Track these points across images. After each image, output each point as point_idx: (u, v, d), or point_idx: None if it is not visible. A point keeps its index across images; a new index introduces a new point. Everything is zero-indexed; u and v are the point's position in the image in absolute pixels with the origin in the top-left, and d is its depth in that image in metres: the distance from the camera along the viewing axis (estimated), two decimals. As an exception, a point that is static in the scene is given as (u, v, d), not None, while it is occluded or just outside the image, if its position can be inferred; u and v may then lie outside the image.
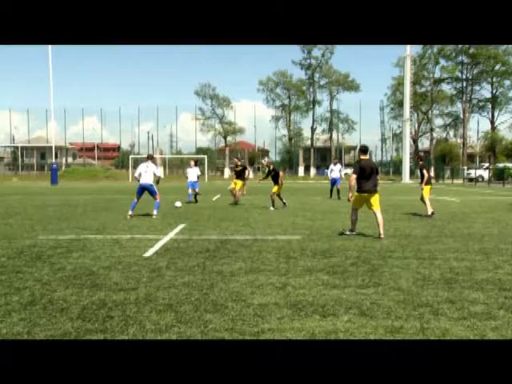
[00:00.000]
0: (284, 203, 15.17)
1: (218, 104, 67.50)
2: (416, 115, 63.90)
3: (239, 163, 16.86)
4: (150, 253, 7.18)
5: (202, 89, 66.42)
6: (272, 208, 14.28)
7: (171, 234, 9.15)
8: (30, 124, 70.31)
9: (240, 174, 16.58)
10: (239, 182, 16.63)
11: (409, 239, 8.65)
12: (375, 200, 9.07)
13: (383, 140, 70.87)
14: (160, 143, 69.50)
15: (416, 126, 64.45)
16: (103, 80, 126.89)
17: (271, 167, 15.39)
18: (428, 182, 13.04)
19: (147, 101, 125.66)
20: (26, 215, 12.71)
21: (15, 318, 4.06)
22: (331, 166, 20.47)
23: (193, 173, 17.75)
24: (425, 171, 12.98)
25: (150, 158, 12.87)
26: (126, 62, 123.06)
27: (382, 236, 8.71)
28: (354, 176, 8.91)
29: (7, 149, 76.74)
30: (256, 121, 71.72)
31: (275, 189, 15.09)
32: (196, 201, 17.52)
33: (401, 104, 55.25)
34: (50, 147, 48.60)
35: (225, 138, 67.88)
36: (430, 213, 12.54)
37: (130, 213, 12.08)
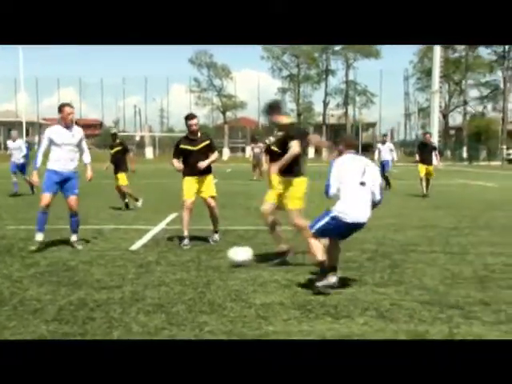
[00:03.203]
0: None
1: (216, 74, 67.06)
2: (447, 86, 63.37)
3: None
4: (137, 245, 7.24)
5: (197, 56, 65.92)
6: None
7: (162, 225, 9.20)
8: (-4, 96, 70.01)
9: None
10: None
11: (436, 231, 8.67)
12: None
13: (407, 115, 70.57)
14: (149, 119, 69.53)
15: (447, 98, 63.97)
16: (81, 47, 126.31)
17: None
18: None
19: (133, 70, 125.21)
20: (-7, 202, 12.77)
21: (-18, 319, 4.11)
22: (379, 146, 18.75)
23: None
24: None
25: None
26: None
27: (216, 238, 7.58)
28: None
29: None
30: (260, 94, 70.79)
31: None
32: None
33: (429, 73, 54.73)
34: (20, 123, 48.56)
35: (223, 113, 67.62)
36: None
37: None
